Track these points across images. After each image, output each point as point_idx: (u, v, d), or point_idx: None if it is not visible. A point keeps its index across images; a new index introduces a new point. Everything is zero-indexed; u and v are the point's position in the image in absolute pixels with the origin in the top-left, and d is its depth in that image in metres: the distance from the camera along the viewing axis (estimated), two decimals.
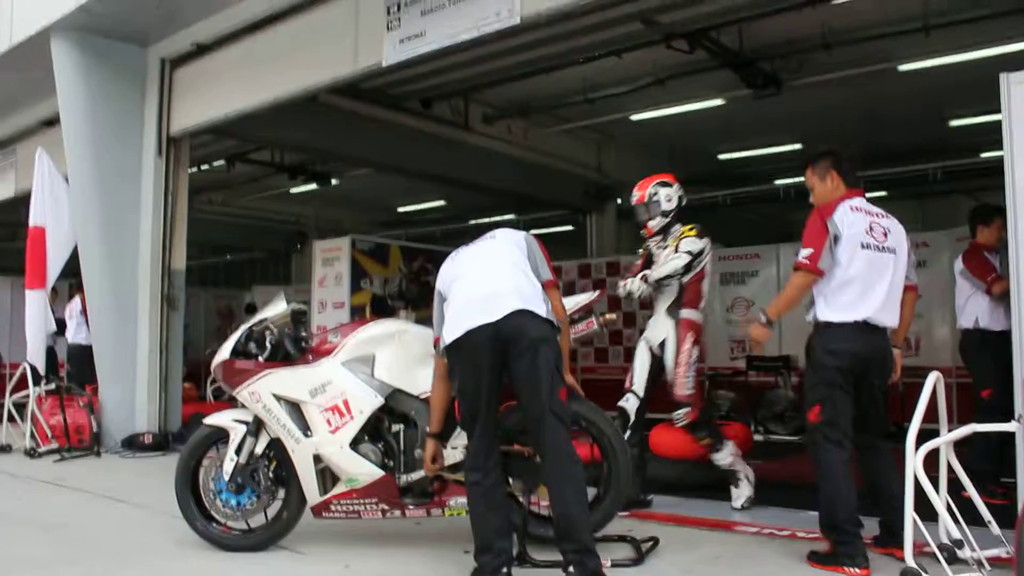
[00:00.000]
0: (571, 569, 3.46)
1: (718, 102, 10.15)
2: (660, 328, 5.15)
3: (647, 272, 5.10)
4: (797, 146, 12.19)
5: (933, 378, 3.58)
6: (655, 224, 5.22)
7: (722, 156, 13.19)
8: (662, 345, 5.11)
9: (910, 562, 3.40)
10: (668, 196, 5.19)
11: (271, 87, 7.66)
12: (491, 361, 3.56)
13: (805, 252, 3.89)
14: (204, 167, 12.78)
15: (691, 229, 5.12)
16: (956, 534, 3.51)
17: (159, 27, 8.42)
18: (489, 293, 3.64)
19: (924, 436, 3.43)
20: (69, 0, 7.65)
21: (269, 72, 7.66)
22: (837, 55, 8.44)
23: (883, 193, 14.09)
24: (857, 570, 3.68)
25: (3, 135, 11.67)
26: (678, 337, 5.02)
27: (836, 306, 3.90)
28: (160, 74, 8.77)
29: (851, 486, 3.79)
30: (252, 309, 12.74)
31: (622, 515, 4.46)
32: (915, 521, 3.39)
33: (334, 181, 13.94)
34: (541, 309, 3.64)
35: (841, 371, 3.83)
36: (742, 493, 5.08)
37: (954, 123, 11.23)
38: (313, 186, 14.13)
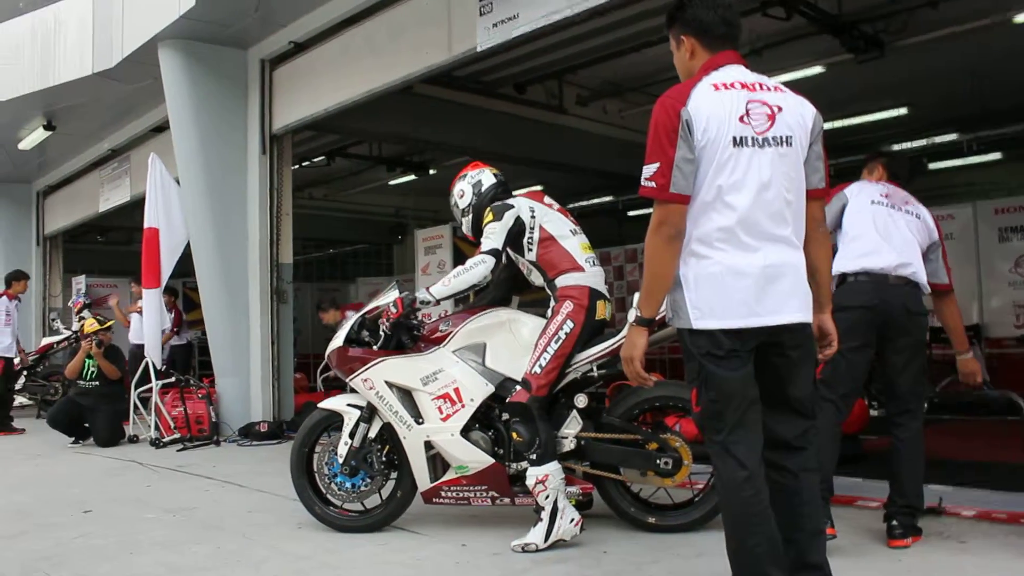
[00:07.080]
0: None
1: (818, 69, 9.77)
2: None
3: (433, 287, 4.14)
4: (903, 111, 11.66)
5: None
6: (467, 228, 4.45)
7: (824, 126, 12.74)
8: None
9: None
10: (460, 191, 4.43)
11: (367, 80, 7.79)
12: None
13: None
14: (305, 163, 13.11)
15: (488, 213, 4.18)
16: None
17: (257, 29, 8.69)
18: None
19: None
20: (173, 10, 7.95)
21: (365, 65, 7.80)
22: (944, 11, 8.00)
23: (998, 155, 13.44)
24: None
25: (118, 143, 12.30)
26: (553, 310, 4.09)
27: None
28: (260, 74, 9.07)
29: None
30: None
31: None
32: None
33: (432, 171, 14.09)
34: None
35: None
36: None
37: None
38: (411, 177, 14.33)
